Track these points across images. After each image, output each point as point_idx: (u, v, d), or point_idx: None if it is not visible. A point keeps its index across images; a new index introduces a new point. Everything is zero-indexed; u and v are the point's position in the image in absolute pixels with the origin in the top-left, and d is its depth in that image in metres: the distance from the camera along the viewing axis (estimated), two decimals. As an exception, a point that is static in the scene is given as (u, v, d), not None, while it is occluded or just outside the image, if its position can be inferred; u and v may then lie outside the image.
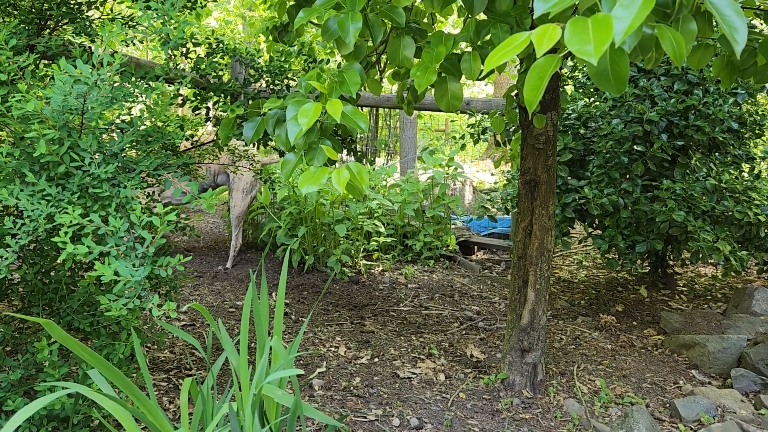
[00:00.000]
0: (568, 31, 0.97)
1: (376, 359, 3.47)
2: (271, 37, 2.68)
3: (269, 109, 1.99)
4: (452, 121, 13.33)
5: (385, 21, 2.12)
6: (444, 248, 6.07)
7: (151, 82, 1.72)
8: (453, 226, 6.62)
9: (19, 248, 1.42)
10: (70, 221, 1.42)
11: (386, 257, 5.72)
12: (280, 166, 1.92)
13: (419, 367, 3.37)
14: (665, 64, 4.52)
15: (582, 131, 4.77)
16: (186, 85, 1.78)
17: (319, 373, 3.21)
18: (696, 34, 1.22)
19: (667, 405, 3.08)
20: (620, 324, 4.45)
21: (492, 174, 11.49)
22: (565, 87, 5.06)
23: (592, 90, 4.90)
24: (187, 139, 2.21)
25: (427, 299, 4.86)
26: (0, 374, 1.80)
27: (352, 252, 5.40)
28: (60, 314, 1.97)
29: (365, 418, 2.70)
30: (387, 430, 2.60)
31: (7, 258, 1.47)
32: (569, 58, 5.20)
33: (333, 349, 3.60)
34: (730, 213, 4.26)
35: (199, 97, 2.36)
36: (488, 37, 1.92)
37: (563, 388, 3.22)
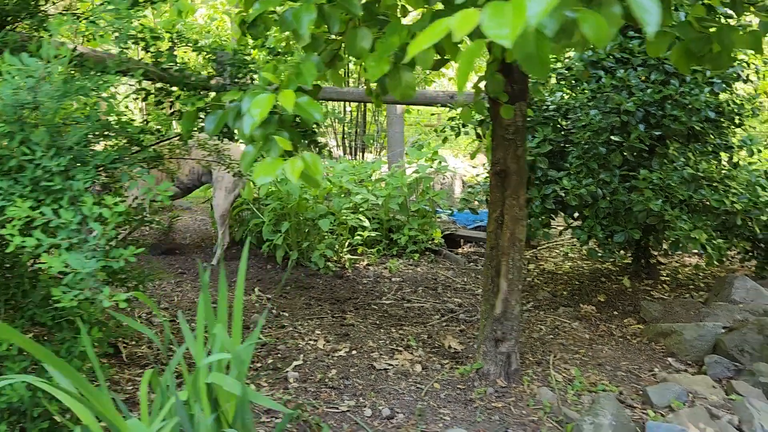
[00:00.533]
0: (486, 15, 0.99)
1: (354, 351, 3.49)
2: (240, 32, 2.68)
3: (230, 102, 2.00)
4: (432, 114, 13.32)
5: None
6: (429, 242, 6.09)
7: (106, 76, 1.72)
8: (439, 220, 6.64)
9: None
10: (24, 214, 1.44)
11: (371, 251, 5.74)
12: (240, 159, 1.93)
13: (396, 359, 3.39)
14: (642, 55, 4.54)
15: (562, 123, 4.79)
16: (138, 79, 1.79)
17: (295, 365, 3.23)
18: (620, 17, 1.24)
19: (641, 392, 3.10)
20: (600, 314, 4.48)
21: (473, 167, 11.50)
22: (548, 79, 5.08)
23: (573, 81, 4.91)
24: (152, 133, 2.23)
25: (410, 292, 4.88)
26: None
27: (336, 247, 5.41)
28: (23, 309, 1.98)
29: (337, 408, 2.72)
30: (358, 420, 2.62)
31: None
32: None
33: (312, 342, 3.62)
34: (708, 202, 4.28)
35: (163, 92, 2.37)
36: (443, 27, 1.94)
37: (538, 377, 3.25)
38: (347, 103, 10.22)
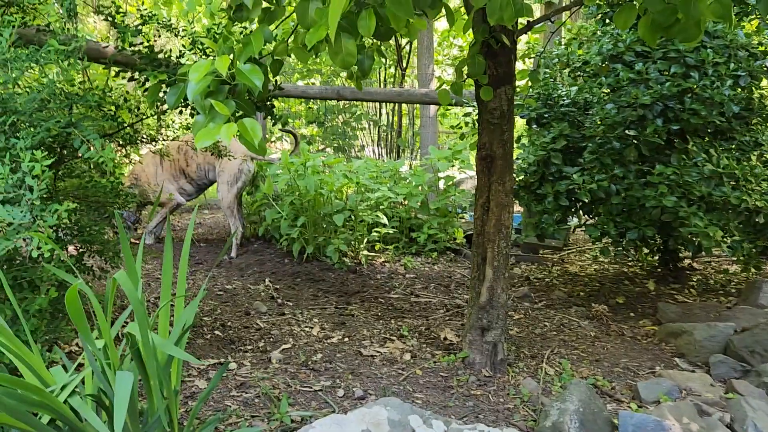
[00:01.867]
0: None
1: (347, 339, 3.49)
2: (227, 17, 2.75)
3: (187, 74, 2.06)
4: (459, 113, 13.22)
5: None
6: (450, 241, 6.04)
7: (42, 52, 1.80)
8: (462, 220, 6.58)
9: None
10: (-41, 167, 1.53)
11: (389, 248, 5.73)
12: (192, 128, 1.98)
13: (386, 347, 3.37)
14: (662, 48, 4.39)
15: (580, 118, 4.68)
16: (80, 55, 1.87)
17: (283, 348, 3.25)
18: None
19: (632, 388, 2.98)
20: (614, 314, 4.34)
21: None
22: (564, 72, 4.99)
23: (589, 76, 4.80)
24: (130, 110, 2.31)
25: (421, 288, 4.85)
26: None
27: (352, 242, 5.43)
28: (-12, 269, 2.09)
29: (311, 388, 2.73)
30: (328, 400, 2.62)
31: None
32: (565, 45, 5.11)
33: (307, 329, 3.64)
34: (728, 199, 4.09)
35: (124, 67, 2.46)
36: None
37: (529, 369, 3.16)
38: (384, 107, 10.28)
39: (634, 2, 2.11)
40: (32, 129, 1.76)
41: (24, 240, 1.70)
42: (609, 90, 4.52)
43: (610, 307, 4.46)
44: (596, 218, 4.53)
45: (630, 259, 5.68)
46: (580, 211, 4.83)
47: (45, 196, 1.60)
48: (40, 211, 1.59)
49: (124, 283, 1.37)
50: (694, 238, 4.16)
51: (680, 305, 4.40)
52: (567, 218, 4.78)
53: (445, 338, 3.58)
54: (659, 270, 5.49)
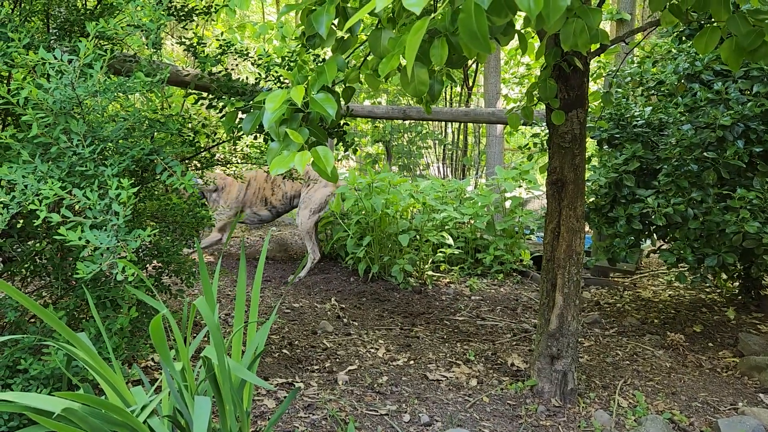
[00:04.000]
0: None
1: (412, 362, 3.47)
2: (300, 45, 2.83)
3: (262, 102, 2.12)
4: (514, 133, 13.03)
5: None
6: (517, 263, 5.94)
7: (129, 80, 1.89)
8: (529, 242, 6.46)
9: (10, 217, 1.63)
10: (53, 194, 1.62)
11: (454, 269, 5.69)
12: (267, 155, 2.03)
13: (452, 372, 3.34)
14: (745, 66, 4.20)
15: (654, 139, 4.53)
16: (163, 78, 1.96)
17: (349, 370, 3.27)
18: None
19: (713, 425, 2.83)
20: (691, 344, 4.14)
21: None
22: (635, 91, 4.84)
23: (664, 96, 4.64)
24: (207, 136, 2.40)
25: (487, 311, 4.78)
26: (22, 337, 2.05)
27: (418, 262, 5.42)
28: (74, 288, 2.20)
29: (377, 412, 2.72)
30: (394, 425, 2.60)
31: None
32: (639, 64, 4.97)
33: (373, 350, 3.65)
34: (819, 225, 3.85)
35: (205, 93, 2.56)
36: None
37: (601, 400, 3.06)
38: (450, 125, 10.28)
39: (717, 24, 2.03)
40: (118, 156, 1.86)
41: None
42: (685, 110, 4.36)
43: (687, 336, 4.27)
44: (671, 243, 4.36)
45: (708, 285, 5.43)
46: (654, 235, 4.66)
47: (129, 219, 1.68)
48: (125, 235, 1.67)
49: (203, 311, 1.42)
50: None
51: (763, 336, 4.16)
52: (640, 242, 4.62)
53: (512, 364, 3.51)
54: (740, 297, 5.21)
